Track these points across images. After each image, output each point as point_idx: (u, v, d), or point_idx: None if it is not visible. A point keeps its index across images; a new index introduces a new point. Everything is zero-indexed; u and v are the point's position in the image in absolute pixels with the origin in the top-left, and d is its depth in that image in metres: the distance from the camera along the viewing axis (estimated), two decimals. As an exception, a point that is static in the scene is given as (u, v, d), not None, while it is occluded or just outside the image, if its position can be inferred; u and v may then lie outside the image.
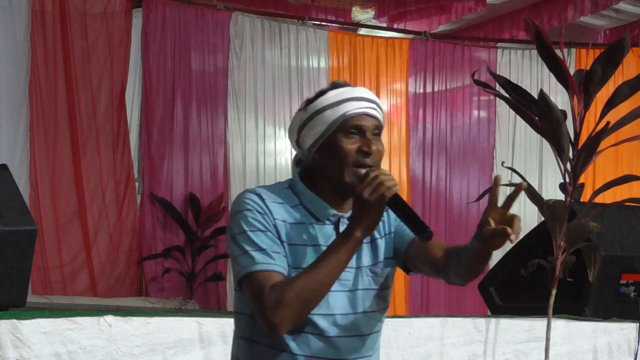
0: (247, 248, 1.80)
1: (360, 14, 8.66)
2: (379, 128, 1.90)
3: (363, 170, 1.81)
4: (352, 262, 1.87)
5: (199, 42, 7.08)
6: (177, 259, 6.84)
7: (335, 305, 1.85)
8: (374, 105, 1.90)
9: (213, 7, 7.16)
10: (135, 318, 3.24)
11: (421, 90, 7.97)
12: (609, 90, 3.84)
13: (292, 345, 1.84)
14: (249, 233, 1.81)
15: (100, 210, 6.60)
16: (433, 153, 7.94)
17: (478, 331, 3.91)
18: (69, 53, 6.46)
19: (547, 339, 3.60)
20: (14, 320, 3.00)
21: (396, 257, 1.96)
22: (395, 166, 7.84)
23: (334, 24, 8.22)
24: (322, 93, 1.91)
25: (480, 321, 3.94)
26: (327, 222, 1.89)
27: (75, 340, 3.09)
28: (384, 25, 8.40)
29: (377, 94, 7.78)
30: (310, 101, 1.91)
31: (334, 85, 1.92)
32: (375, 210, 1.74)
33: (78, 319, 3.12)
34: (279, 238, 1.83)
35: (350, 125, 1.86)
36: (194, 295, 6.78)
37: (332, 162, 1.86)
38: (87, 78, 6.56)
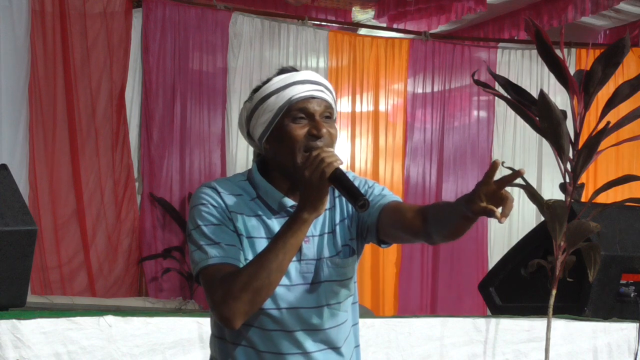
0: (201, 242, 1.77)
1: (360, 14, 8.66)
2: (329, 111, 1.84)
3: None
4: (313, 254, 1.84)
5: (199, 42, 7.08)
6: (177, 259, 6.84)
7: (298, 299, 1.82)
8: (321, 88, 1.84)
9: (213, 7, 7.16)
10: (135, 318, 3.24)
11: (420, 91, 7.96)
12: (609, 90, 3.84)
13: (257, 341, 1.81)
14: (203, 227, 1.78)
15: (98, 211, 6.60)
16: (432, 153, 7.94)
17: (478, 331, 3.91)
18: (69, 53, 6.46)
19: (547, 339, 3.60)
20: (14, 320, 3.00)
21: (367, 234, 1.89)
22: (389, 166, 7.83)
23: (334, 24, 8.22)
24: (267, 80, 1.85)
25: (480, 321, 3.94)
26: (285, 214, 1.83)
27: (75, 340, 3.09)
28: (384, 25, 8.39)
29: (376, 94, 7.80)
30: (256, 90, 1.86)
31: (280, 72, 1.86)
32: (317, 189, 1.69)
33: (78, 319, 3.12)
34: (236, 230, 1.80)
35: (297, 109, 1.80)
36: (194, 295, 6.78)
37: (283, 150, 1.81)
38: (86, 78, 6.55)
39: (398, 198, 1.92)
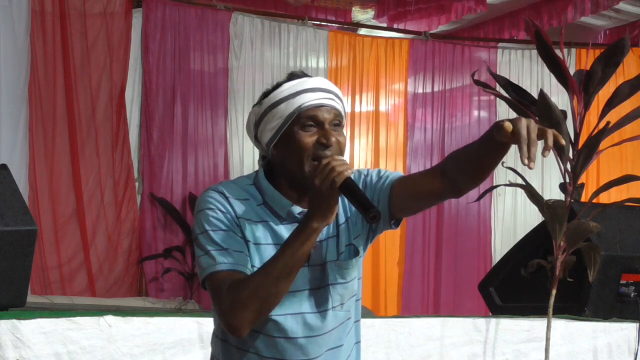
0: (209, 248, 1.75)
1: (360, 14, 8.66)
2: (338, 119, 1.82)
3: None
4: (318, 260, 1.82)
5: (199, 42, 7.08)
6: (177, 259, 6.85)
7: (303, 304, 1.81)
8: (331, 96, 1.82)
9: (213, 7, 7.16)
10: (135, 318, 3.24)
11: (421, 91, 7.97)
12: (609, 90, 3.84)
13: (261, 347, 1.81)
14: (211, 232, 1.76)
15: (98, 211, 6.60)
16: (433, 153, 7.93)
17: (478, 331, 3.91)
18: (69, 53, 6.46)
19: (547, 339, 3.60)
20: (14, 320, 3.00)
21: (380, 221, 1.83)
22: (390, 167, 7.82)
23: (334, 24, 8.22)
24: (277, 86, 1.83)
25: (480, 321, 3.94)
26: (293, 220, 1.81)
27: (75, 340, 3.09)
28: (384, 25, 8.39)
29: (377, 95, 7.80)
30: (266, 94, 1.84)
31: (290, 77, 1.84)
32: (328, 198, 1.67)
33: (78, 319, 3.12)
34: (243, 237, 1.78)
35: (306, 117, 1.78)
36: (194, 295, 6.78)
37: (291, 157, 1.79)
38: (86, 78, 6.55)
39: (397, 173, 1.89)
